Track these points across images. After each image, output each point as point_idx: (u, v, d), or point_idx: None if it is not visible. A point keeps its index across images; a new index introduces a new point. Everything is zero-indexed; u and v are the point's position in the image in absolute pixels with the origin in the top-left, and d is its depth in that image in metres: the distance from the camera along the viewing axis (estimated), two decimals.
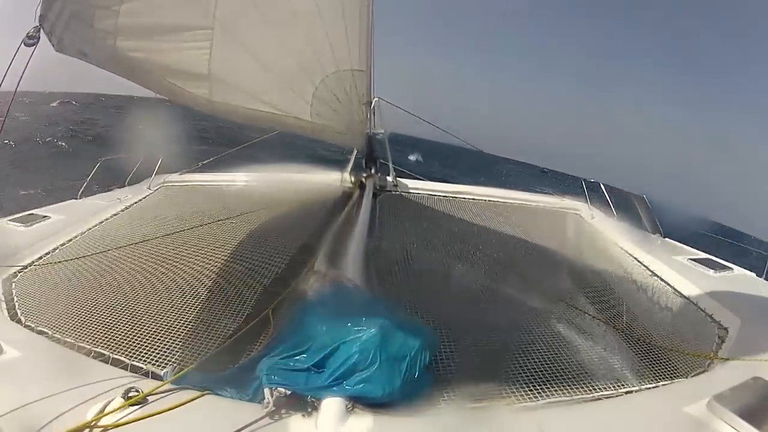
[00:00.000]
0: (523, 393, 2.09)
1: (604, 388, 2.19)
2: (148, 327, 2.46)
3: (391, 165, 5.69)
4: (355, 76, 4.00)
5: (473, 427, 1.82)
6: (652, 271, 3.86)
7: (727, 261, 3.98)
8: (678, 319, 3.07)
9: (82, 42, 2.43)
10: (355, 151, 5.52)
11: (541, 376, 2.24)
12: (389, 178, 5.70)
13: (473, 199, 5.75)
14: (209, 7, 2.77)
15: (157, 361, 2.18)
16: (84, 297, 2.77)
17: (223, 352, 2.22)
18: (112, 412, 1.59)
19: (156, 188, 5.09)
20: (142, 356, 2.21)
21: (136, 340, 2.34)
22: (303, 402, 1.71)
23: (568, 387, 2.16)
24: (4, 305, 2.57)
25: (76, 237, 3.63)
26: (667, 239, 4.66)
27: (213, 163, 6.00)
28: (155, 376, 2.03)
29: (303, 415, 1.67)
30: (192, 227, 4.02)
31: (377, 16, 4.02)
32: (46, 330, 2.36)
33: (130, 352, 2.23)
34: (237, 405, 1.76)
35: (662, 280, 3.68)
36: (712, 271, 3.72)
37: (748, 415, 1.78)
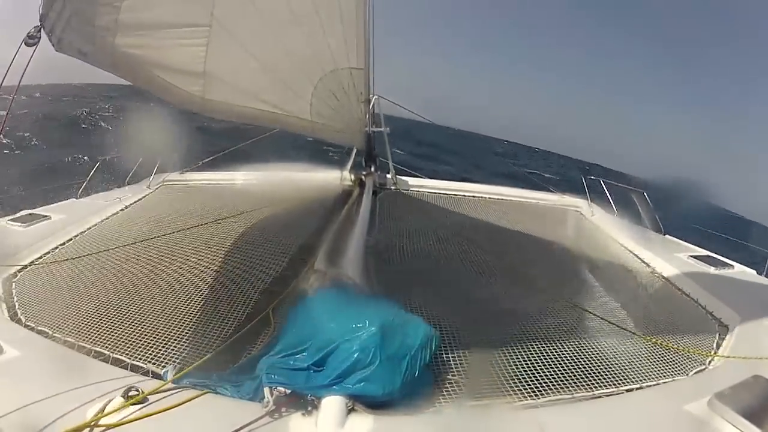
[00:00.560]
0: (523, 391, 2.09)
1: (605, 386, 2.19)
2: (149, 326, 2.46)
3: (390, 163, 5.69)
4: (354, 75, 3.99)
5: (473, 426, 1.82)
6: (652, 269, 3.86)
7: (727, 258, 3.98)
8: (678, 316, 3.07)
9: (82, 41, 2.43)
10: (355, 150, 5.52)
11: (542, 374, 2.23)
12: (389, 176, 5.69)
13: (473, 196, 5.75)
14: (207, 5, 2.76)
15: (157, 360, 2.18)
16: (84, 296, 2.77)
17: (223, 352, 2.22)
18: (112, 411, 1.59)
19: (156, 187, 5.08)
20: (143, 356, 2.20)
21: (136, 339, 2.34)
22: (303, 401, 1.71)
23: (568, 385, 2.16)
24: (4, 305, 2.57)
25: (75, 236, 3.63)
26: (667, 236, 4.66)
27: (213, 162, 5.99)
28: (155, 376, 2.02)
29: (303, 414, 1.68)
30: (192, 226, 4.02)
31: (377, 16, 4.03)
32: (46, 330, 2.36)
33: (130, 351, 2.23)
34: (237, 404, 1.76)
35: (663, 277, 3.68)
36: (712, 268, 3.71)
37: (749, 412, 1.78)
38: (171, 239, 3.73)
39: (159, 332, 2.41)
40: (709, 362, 2.48)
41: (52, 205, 4.24)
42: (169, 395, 1.72)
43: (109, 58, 2.53)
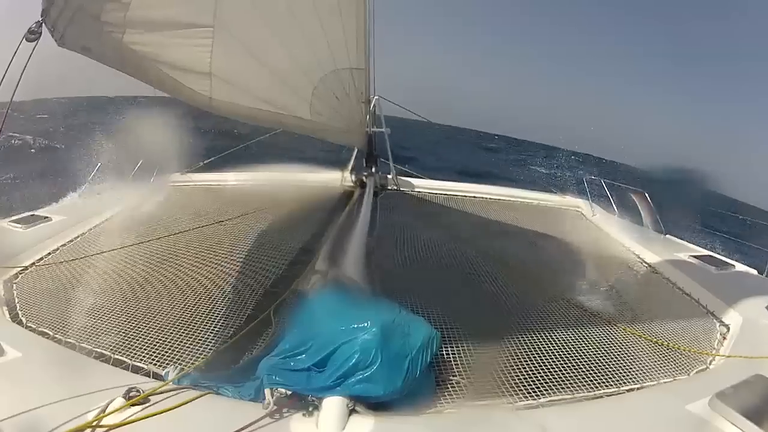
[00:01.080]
0: (524, 392, 2.09)
1: (606, 386, 2.19)
2: (150, 327, 2.46)
3: (391, 164, 5.69)
4: (354, 75, 4.00)
5: (475, 427, 1.82)
6: (653, 268, 3.86)
7: (728, 258, 3.98)
8: (679, 316, 3.06)
9: (86, 36, 2.41)
10: (356, 150, 5.52)
11: (543, 374, 2.23)
12: (390, 177, 5.69)
13: (474, 197, 5.75)
14: (210, 6, 2.77)
15: (158, 361, 2.18)
16: (85, 298, 2.77)
17: (224, 352, 2.22)
18: (113, 412, 1.59)
19: (157, 188, 5.09)
20: (144, 357, 2.21)
21: (137, 340, 2.34)
22: (304, 402, 1.71)
23: (569, 385, 2.16)
24: (5, 306, 2.58)
25: (77, 237, 3.63)
26: (668, 236, 4.66)
27: (215, 163, 6.00)
28: (156, 377, 2.02)
29: (304, 415, 1.68)
30: (194, 227, 4.02)
31: (377, 16, 4.03)
32: (47, 331, 2.36)
33: (131, 352, 2.23)
34: (238, 405, 1.77)
35: (664, 277, 3.67)
36: (713, 268, 3.71)
37: (750, 412, 1.77)
38: (172, 240, 3.73)
39: (160, 333, 2.41)
40: (711, 362, 2.47)
41: (53, 206, 4.24)
42: (170, 396, 1.72)
43: (116, 55, 2.52)
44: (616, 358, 2.48)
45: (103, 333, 2.39)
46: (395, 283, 3.03)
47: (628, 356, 2.50)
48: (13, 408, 1.56)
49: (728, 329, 2.82)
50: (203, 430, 1.66)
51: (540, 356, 2.39)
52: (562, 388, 2.13)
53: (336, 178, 5.55)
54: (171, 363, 2.16)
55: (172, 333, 2.42)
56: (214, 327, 2.51)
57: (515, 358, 2.35)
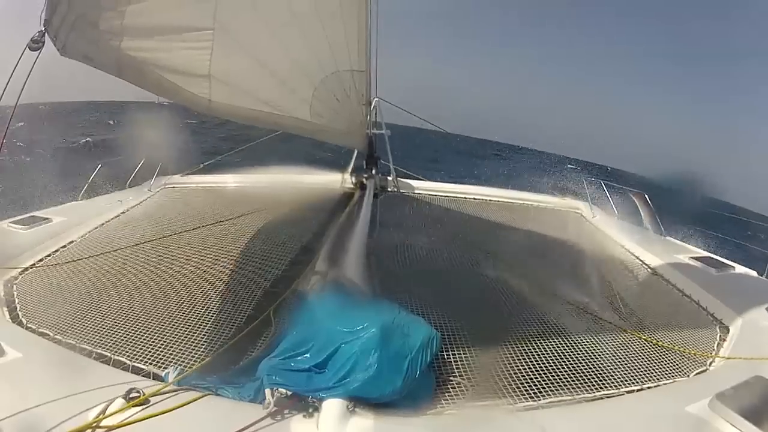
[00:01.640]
0: (524, 393, 2.09)
1: (606, 388, 2.19)
2: (150, 328, 2.46)
3: (391, 165, 5.69)
4: (355, 77, 4.00)
5: (475, 428, 1.82)
6: (653, 270, 3.86)
7: (728, 260, 3.98)
8: (679, 317, 3.07)
9: (87, 45, 2.43)
10: (356, 152, 5.53)
11: (543, 375, 2.23)
12: (390, 179, 5.70)
13: (474, 198, 5.75)
14: (210, 9, 2.77)
15: (158, 362, 2.18)
16: (85, 299, 2.77)
17: (224, 353, 2.22)
18: (113, 413, 1.59)
19: (157, 190, 5.09)
20: (144, 357, 2.21)
21: (137, 341, 2.34)
22: (304, 402, 1.71)
23: (569, 387, 2.16)
24: (5, 307, 2.58)
25: (77, 239, 3.63)
26: (668, 238, 4.66)
27: (214, 165, 6.00)
28: (156, 378, 2.03)
29: (304, 416, 1.68)
30: (193, 229, 4.03)
31: (379, 17, 4.04)
32: (47, 332, 2.36)
33: (131, 353, 2.23)
34: (238, 406, 1.77)
35: (663, 278, 3.68)
36: (713, 269, 3.71)
37: (750, 413, 1.77)
38: (172, 241, 3.73)
39: (160, 334, 2.41)
40: (710, 363, 2.47)
41: (53, 207, 4.24)
42: (171, 397, 1.72)
43: (114, 62, 2.54)
44: (616, 359, 2.48)
45: (103, 334, 2.39)
46: (395, 284, 3.03)
47: (628, 358, 2.51)
48: (14, 408, 1.57)
49: (728, 331, 2.82)
50: (203, 430, 1.66)
51: (540, 357, 2.39)
52: (562, 389, 2.13)
53: (336, 180, 5.55)
54: (171, 364, 2.16)
55: (172, 334, 2.42)
56: (215, 328, 2.51)
57: (515, 359, 2.36)
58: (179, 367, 2.09)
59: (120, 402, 1.63)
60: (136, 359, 2.18)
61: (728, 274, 3.68)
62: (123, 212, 4.32)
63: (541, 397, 2.07)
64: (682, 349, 2.60)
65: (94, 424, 1.54)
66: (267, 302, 2.70)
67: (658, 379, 2.31)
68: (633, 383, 2.25)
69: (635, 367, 2.40)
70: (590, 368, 2.34)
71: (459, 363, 2.29)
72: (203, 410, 1.68)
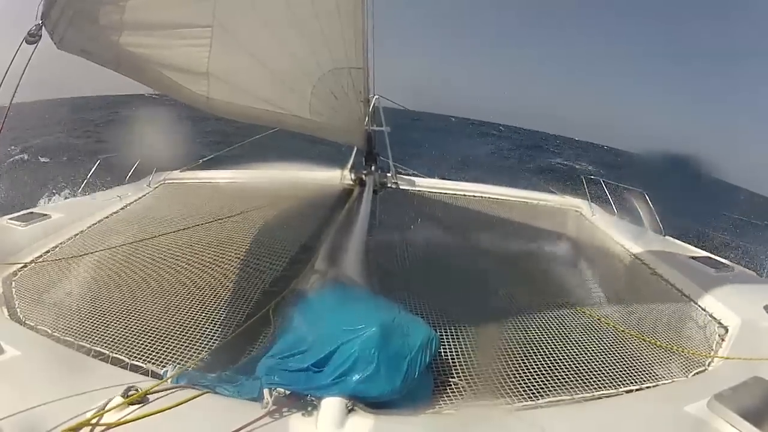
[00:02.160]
0: (523, 393, 2.09)
1: (605, 388, 2.19)
2: (148, 326, 2.46)
3: (391, 162, 5.67)
4: (353, 74, 3.99)
5: (474, 428, 1.82)
6: (652, 269, 3.85)
7: (727, 259, 3.98)
8: (678, 317, 3.07)
9: (85, 39, 2.41)
10: (355, 149, 5.51)
11: (542, 375, 2.23)
12: (389, 176, 5.68)
13: (473, 196, 5.74)
14: (209, 6, 2.75)
15: (156, 360, 2.18)
16: (84, 296, 2.76)
17: (222, 352, 2.22)
18: (111, 410, 1.59)
19: (156, 186, 5.08)
20: (142, 355, 2.20)
21: (135, 339, 2.34)
22: (303, 401, 1.71)
23: (568, 386, 2.16)
24: (3, 305, 2.57)
25: (75, 235, 3.62)
26: (667, 237, 4.65)
27: (213, 161, 5.98)
28: (155, 375, 2.02)
29: (303, 415, 1.67)
30: (192, 225, 4.02)
31: (377, 16, 4.02)
32: (46, 329, 2.36)
33: (129, 351, 2.23)
34: (237, 404, 1.76)
35: (662, 278, 3.67)
36: (712, 269, 3.71)
37: (749, 414, 1.77)
38: (171, 238, 3.73)
39: (159, 332, 2.41)
40: (709, 363, 2.47)
41: (51, 203, 4.23)
42: (169, 395, 1.72)
43: (113, 57, 2.52)
44: (615, 359, 2.48)
45: (101, 331, 2.38)
46: (395, 283, 3.03)
47: (627, 358, 2.51)
48: (12, 406, 1.56)
49: (727, 331, 2.81)
50: (202, 429, 1.66)
51: (538, 357, 2.39)
52: (561, 389, 2.13)
53: (335, 177, 5.53)
54: (170, 362, 2.16)
55: (170, 332, 2.42)
56: (213, 326, 2.51)
57: (514, 358, 2.35)
58: (178, 365, 2.09)
59: (118, 400, 1.63)
60: (135, 357, 2.18)
61: (727, 274, 3.68)
62: (122, 208, 4.31)
63: (540, 397, 2.07)
64: (680, 349, 2.60)
65: (93, 422, 1.54)
66: (266, 300, 2.69)
67: (656, 379, 2.31)
68: (631, 383, 2.25)
69: (634, 367, 2.40)
70: (589, 368, 2.34)
71: (458, 363, 2.29)
72: (201, 409, 1.67)
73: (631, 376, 2.31)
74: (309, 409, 1.69)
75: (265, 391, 1.69)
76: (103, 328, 2.42)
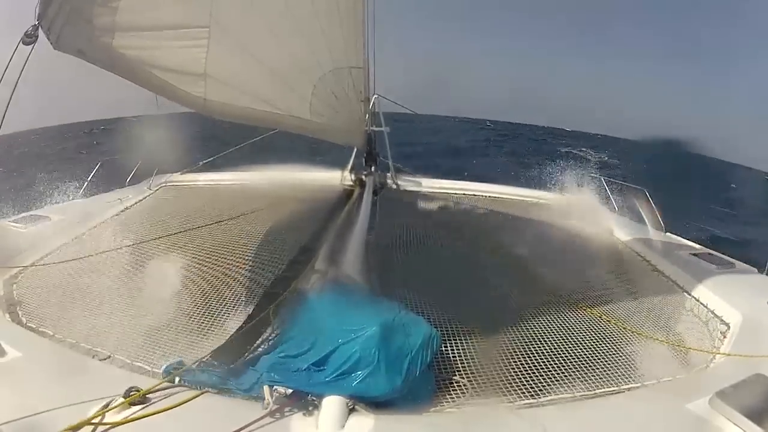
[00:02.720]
0: (525, 391, 2.09)
1: (606, 385, 2.19)
2: (149, 327, 2.46)
3: (391, 163, 5.68)
4: (353, 74, 3.98)
5: (475, 426, 1.82)
6: (653, 266, 3.84)
7: (729, 255, 3.96)
8: (680, 314, 3.06)
9: (80, 40, 2.42)
10: (355, 150, 5.51)
11: (543, 373, 2.23)
12: (389, 176, 5.68)
13: (474, 195, 5.74)
14: (206, 6, 2.75)
15: (157, 360, 2.18)
16: (85, 297, 2.77)
17: (223, 351, 2.22)
18: (112, 410, 1.59)
19: (156, 188, 5.08)
20: (143, 356, 2.21)
21: (136, 339, 2.34)
22: (304, 401, 1.71)
23: (569, 384, 2.16)
24: (5, 306, 2.58)
25: (76, 238, 3.63)
26: (668, 234, 4.64)
27: (213, 163, 5.99)
28: (156, 376, 2.03)
29: (304, 414, 1.68)
30: (192, 227, 4.02)
31: (377, 14, 4.02)
32: (47, 330, 2.36)
33: (130, 351, 2.23)
34: (238, 404, 1.77)
35: (664, 275, 3.66)
36: (714, 266, 3.70)
37: (750, 411, 1.77)
38: (171, 240, 3.73)
39: (159, 332, 2.42)
40: (711, 360, 2.47)
41: (53, 206, 4.24)
42: (170, 395, 1.72)
43: (107, 58, 2.53)
44: (617, 356, 2.47)
45: (102, 332, 2.39)
46: (395, 282, 3.03)
47: (629, 355, 2.50)
48: (13, 407, 1.57)
49: (728, 328, 2.80)
50: (202, 429, 1.66)
51: (540, 355, 2.39)
52: (563, 387, 2.13)
53: (335, 177, 5.53)
54: (170, 362, 2.16)
55: (171, 332, 2.43)
56: (214, 326, 2.51)
57: (515, 357, 2.35)
58: (179, 365, 2.09)
59: (119, 400, 1.63)
60: (136, 358, 2.19)
61: (729, 271, 3.67)
62: (122, 211, 4.32)
63: (541, 395, 2.06)
64: (682, 346, 2.60)
65: (94, 422, 1.54)
66: (267, 301, 2.70)
67: (658, 376, 2.31)
68: (633, 380, 2.25)
69: (635, 365, 2.40)
70: (590, 366, 2.34)
71: (459, 361, 2.29)
72: (203, 409, 1.68)
73: (632, 374, 2.30)
74: (310, 408, 1.69)
75: (266, 391, 1.69)
76: (103, 329, 2.43)
